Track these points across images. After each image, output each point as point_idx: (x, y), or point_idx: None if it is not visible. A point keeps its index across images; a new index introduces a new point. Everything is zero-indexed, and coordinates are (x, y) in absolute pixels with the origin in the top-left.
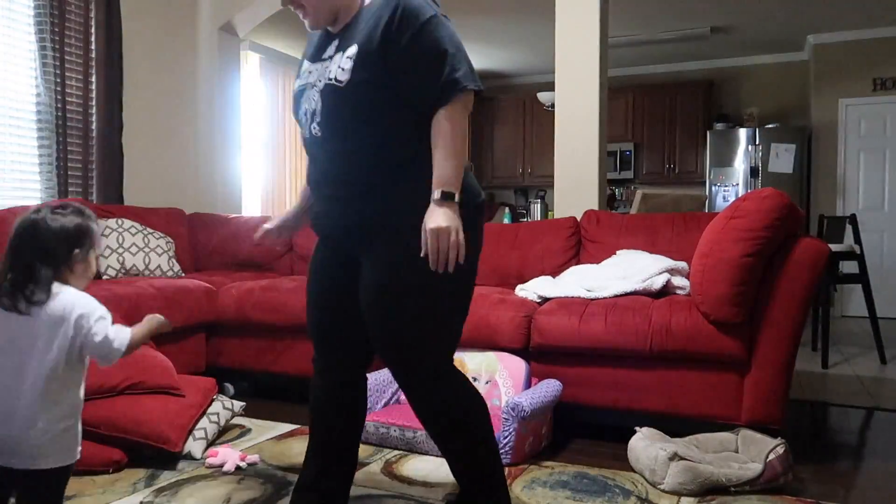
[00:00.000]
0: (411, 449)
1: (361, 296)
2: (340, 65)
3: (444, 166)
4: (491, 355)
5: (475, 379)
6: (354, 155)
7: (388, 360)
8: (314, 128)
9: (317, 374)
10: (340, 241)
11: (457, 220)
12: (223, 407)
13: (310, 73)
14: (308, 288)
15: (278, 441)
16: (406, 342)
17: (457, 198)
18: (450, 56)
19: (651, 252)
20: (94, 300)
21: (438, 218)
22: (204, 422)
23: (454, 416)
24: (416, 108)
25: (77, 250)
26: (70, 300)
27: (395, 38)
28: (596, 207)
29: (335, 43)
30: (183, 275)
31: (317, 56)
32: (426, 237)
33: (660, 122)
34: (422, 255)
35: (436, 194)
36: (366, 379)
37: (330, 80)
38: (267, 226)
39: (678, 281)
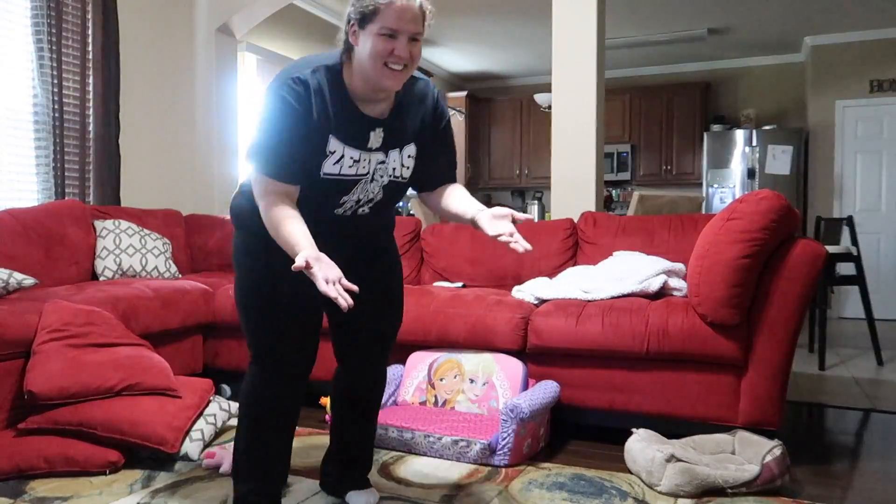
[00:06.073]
0: (409, 450)
1: (380, 291)
2: (404, 163)
3: (475, 200)
4: (488, 357)
5: (472, 381)
6: (382, 224)
7: (383, 348)
8: (362, 210)
9: (287, 381)
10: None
11: None
12: (220, 408)
13: (356, 161)
14: (291, 304)
15: None
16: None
17: None
18: (454, 154)
19: (648, 254)
20: None
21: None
22: (201, 423)
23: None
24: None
25: None
26: None
27: (431, 129)
28: (593, 209)
29: (380, 133)
30: (180, 276)
31: (359, 143)
32: (506, 226)
33: (657, 123)
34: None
35: (483, 208)
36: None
37: (396, 177)
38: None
39: (675, 282)
